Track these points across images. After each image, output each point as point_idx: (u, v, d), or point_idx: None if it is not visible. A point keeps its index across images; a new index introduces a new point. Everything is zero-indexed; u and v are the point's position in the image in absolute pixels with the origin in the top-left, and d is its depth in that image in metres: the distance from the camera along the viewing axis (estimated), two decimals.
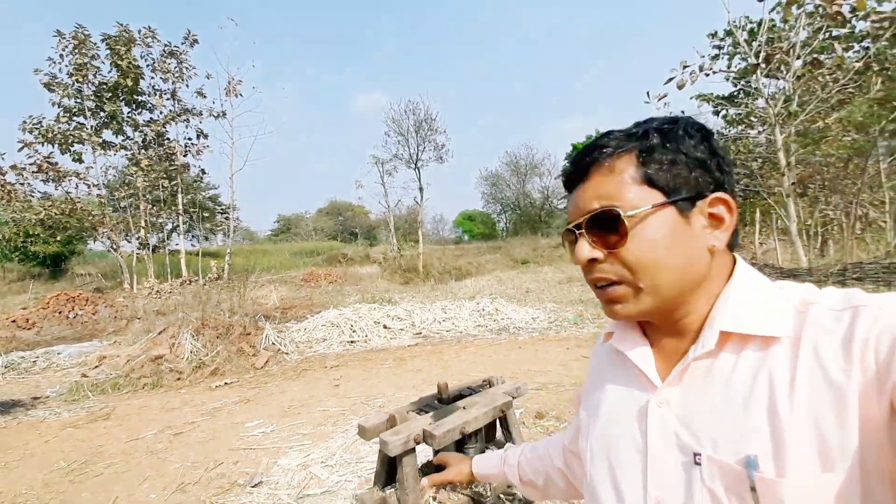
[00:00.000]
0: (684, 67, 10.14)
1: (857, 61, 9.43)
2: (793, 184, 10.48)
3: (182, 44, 20.93)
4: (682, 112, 10.22)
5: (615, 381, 0.70)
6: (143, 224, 20.70)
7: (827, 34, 9.96)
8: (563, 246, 0.70)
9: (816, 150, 11.65)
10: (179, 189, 21.79)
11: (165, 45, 20.63)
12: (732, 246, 0.63)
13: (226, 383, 6.26)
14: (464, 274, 24.49)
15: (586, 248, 0.61)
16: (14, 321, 10.49)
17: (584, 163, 0.63)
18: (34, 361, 7.96)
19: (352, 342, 8.37)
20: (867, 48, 9.86)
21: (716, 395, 0.55)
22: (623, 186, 0.59)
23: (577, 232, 0.62)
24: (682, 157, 0.59)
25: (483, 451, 2.82)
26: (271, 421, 4.65)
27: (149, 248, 21.05)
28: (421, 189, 26.87)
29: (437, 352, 7.52)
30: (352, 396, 5.32)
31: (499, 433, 3.12)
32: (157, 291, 17.76)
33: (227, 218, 24.16)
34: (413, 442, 2.31)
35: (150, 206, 20.98)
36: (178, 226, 23.00)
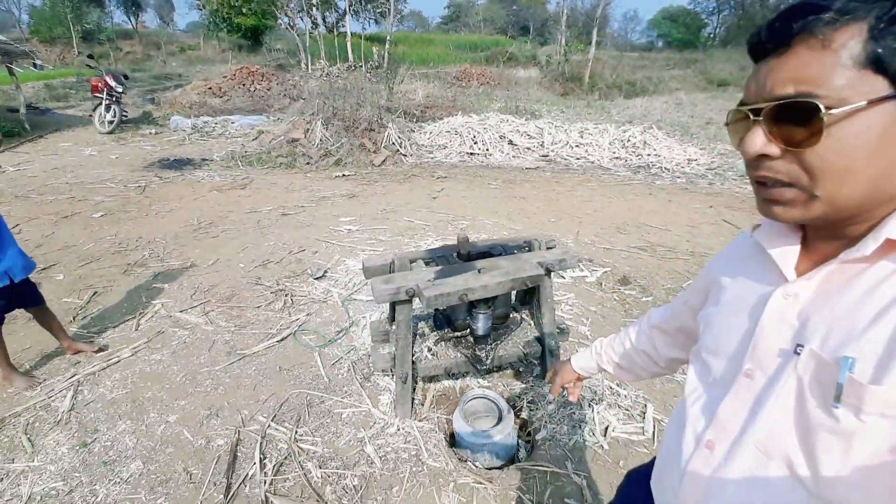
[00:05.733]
0: None
1: None
2: None
3: None
4: None
5: (748, 271, 0.68)
6: (314, 1, 20.98)
7: None
8: (726, 125, 0.60)
9: None
10: None
11: None
12: None
13: (344, 175, 6.71)
14: (637, 91, 20.80)
15: (760, 140, 0.52)
16: (210, 88, 12.36)
17: (787, 29, 0.49)
18: (214, 127, 9.49)
19: (471, 154, 8.05)
20: None
21: (851, 301, 0.52)
22: (834, 70, 0.47)
23: (752, 117, 0.53)
24: None
25: (504, 317, 2.52)
26: (361, 221, 4.92)
27: (321, 28, 21.75)
28: None
29: (553, 181, 6.83)
30: (442, 212, 5.26)
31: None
32: (328, 74, 18.94)
33: None
34: (405, 294, 2.09)
35: None
36: (347, 7, 22.85)
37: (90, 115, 10.03)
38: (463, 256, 2.30)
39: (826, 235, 0.58)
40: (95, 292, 3.28)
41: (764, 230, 0.66)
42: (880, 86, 0.46)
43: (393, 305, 2.34)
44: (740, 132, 0.55)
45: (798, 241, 0.61)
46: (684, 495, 0.65)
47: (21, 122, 8.48)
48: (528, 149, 8.28)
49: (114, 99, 8.70)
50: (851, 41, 0.46)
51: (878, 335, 0.47)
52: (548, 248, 2.43)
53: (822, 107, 0.46)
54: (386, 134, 7.73)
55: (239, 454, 2.05)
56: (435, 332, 2.43)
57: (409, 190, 6.16)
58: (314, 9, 21.12)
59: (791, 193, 0.51)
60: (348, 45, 21.89)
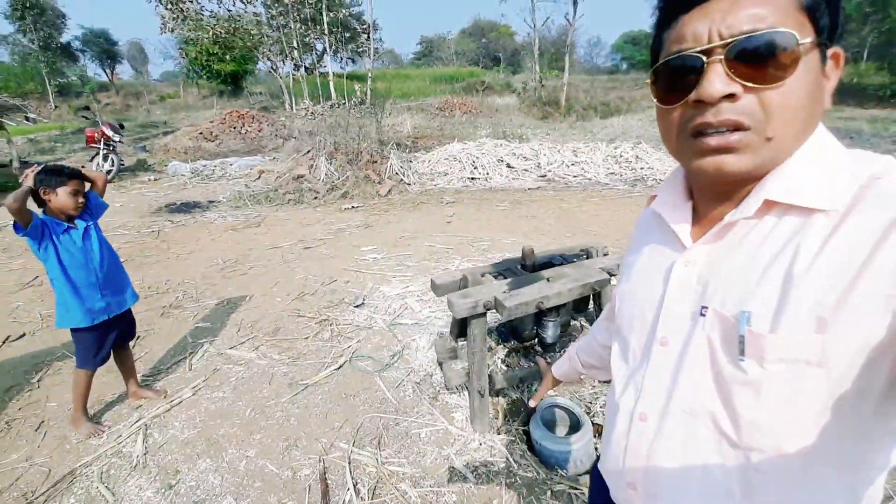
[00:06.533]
0: None
1: None
2: None
3: None
4: None
5: (651, 243, 0.69)
6: (294, 44, 21.49)
7: None
8: (652, 83, 0.58)
9: None
10: (324, 5, 21.54)
11: None
12: None
13: (353, 206, 6.79)
14: (611, 111, 21.65)
15: (722, 81, 0.49)
16: (201, 133, 12.43)
17: None
18: (213, 170, 9.52)
19: (472, 179, 8.23)
20: None
21: (742, 259, 0.54)
22: (787, 9, 0.48)
23: (705, 60, 0.50)
24: None
25: (566, 325, 2.59)
26: (383, 248, 4.97)
27: (302, 70, 22.20)
28: (575, 2, 22.56)
29: (557, 199, 7.02)
30: (460, 235, 5.35)
31: (591, 307, 2.81)
32: (311, 113, 19.22)
33: (368, 38, 23.69)
34: (482, 307, 2.15)
35: (299, 25, 21.37)
36: (325, 48, 23.45)
37: (83, 167, 9.98)
38: (528, 268, 2.38)
39: (718, 198, 0.59)
40: (138, 336, 3.23)
41: (659, 200, 0.68)
42: (811, 32, 0.49)
43: (462, 321, 2.39)
44: (680, 83, 0.53)
45: (690, 207, 0.64)
46: (629, 471, 0.66)
47: (15, 176, 8.38)
48: (526, 170, 8.52)
49: (111, 148, 8.69)
50: None
51: (768, 288, 0.50)
52: (604, 255, 2.53)
53: (798, 38, 0.47)
54: (388, 164, 7.88)
55: (329, 482, 2.04)
56: (502, 345, 2.48)
57: (421, 216, 6.25)
58: (295, 51, 21.60)
59: (748, 138, 0.50)
60: (331, 84, 22.37)
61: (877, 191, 0.47)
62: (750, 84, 0.48)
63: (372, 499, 1.94)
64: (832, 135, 0.55)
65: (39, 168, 2.02)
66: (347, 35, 25.02)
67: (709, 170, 0.52)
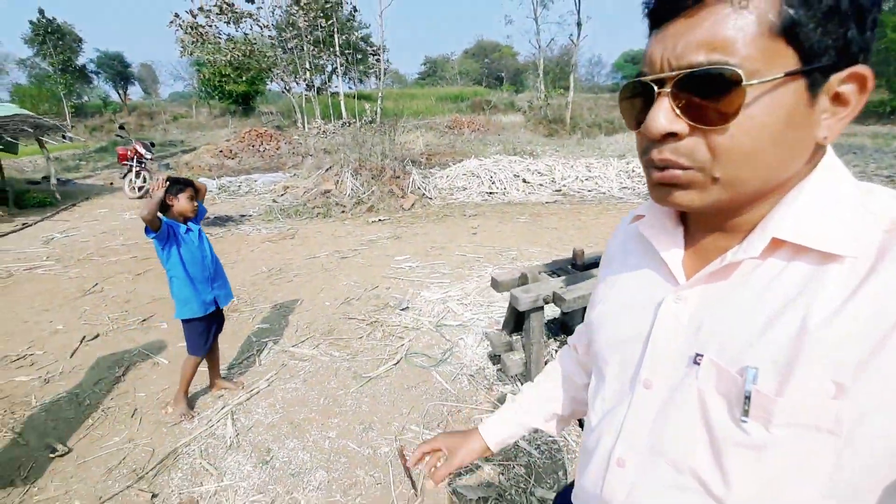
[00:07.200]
0: None
1: None
2: None
3: None
4: None
5: (635, 269, 0.62)
6: (307, 66, 22.17)
7: None
8: (620, 101, 0.52)
9: None
10: (335, 28, 22.29)
11: None
12: None
13: (380, 220, 7.10)
14: (616, 128, 22.11)
15: (666, 117, 0.44)
16: (221, 151, 12.87)
17: None
18: (239, 186, 9.88)
19: (490, 193, 8.55)
20: None
21: (743, 303, 0.48)
22: (750, 35, 0.40)
23: (656, 89, 0.45)
24: (845, 3, 0.40)
25: None
26: (416, 258, 5.25)
27: (314, 90, 22.86)
28: (579, 24, 23.27)
29: (575, 212, 7.32)
30: (487, 245, 5.63)
31: None
32: (324, 131, 19.76)
33: (377, 60, 24.44)
34: (542, 301, 2.42)
35: (312, 47, 22.11)
36: (336, 68, 24.16)
37: (111, 183, 10.37)
38: (579, 266, 2.65)
39: (710, 227, 0.54)
40: None
41: (647, 221, 0.60)
42: (790, 59, 0.41)
43: (519, 315, 2.65)
44: (638, 109, 0.48)
45: (681, 234, 0.58)
46: None
47: (52, 192, 8.77)
48: (541, 185, 8.84)
49: (143, 166, 9.08)
50: (768, 5, 0.40)
51: (777, 341, 0.44)
52: None
53: (744, 77, 0.40)
54: (411, 179, 8.22)
55: (408, 456, 2.27)
56: (553, 339, 2.74)
57: (447, 228, 6.55)
58: (307, 72, 22.27)
59: (690, 175, 0.45)
60: (342, 104, 23.00)
61: None
62: (695, 124, 0.44)
63: None
64: (839, 160, 0.49)
65: (166, 180, 2.32)
66: (359, 57, 25.78)
67: (659, 200, 0.50)
